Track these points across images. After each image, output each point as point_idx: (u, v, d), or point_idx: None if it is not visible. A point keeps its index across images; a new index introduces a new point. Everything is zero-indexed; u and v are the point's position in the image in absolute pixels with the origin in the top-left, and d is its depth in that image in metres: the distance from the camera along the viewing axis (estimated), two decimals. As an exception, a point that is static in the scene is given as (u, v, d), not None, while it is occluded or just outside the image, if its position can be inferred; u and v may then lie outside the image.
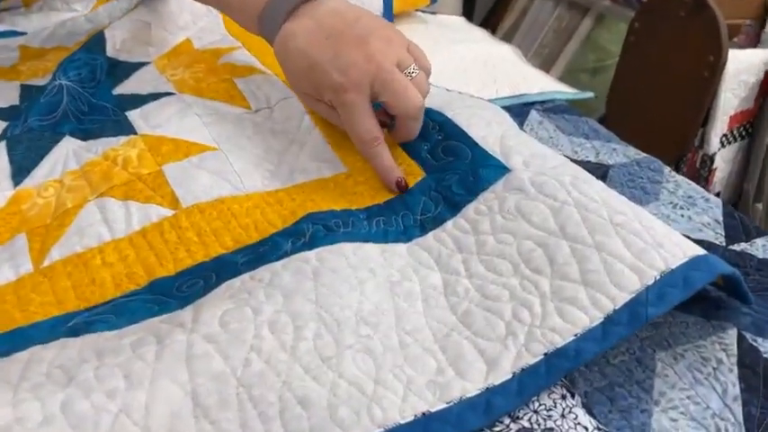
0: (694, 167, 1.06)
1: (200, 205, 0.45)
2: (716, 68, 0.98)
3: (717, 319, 0.39)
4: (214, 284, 0.39)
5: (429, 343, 0.36)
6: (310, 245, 0.40)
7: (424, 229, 0.43)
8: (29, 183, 0.49)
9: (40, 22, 0.70)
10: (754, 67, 1.02)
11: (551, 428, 0.33)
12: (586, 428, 0.33)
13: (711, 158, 1.04)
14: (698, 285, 0.35)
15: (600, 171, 0.58)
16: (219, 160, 0.49)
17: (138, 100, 0.56)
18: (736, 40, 1.11)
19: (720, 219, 0.50)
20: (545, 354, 0.34)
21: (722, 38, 0.97)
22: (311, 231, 0.42)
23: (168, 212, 0.45)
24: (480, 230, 0.41)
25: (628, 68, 1.12)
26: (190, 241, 0.43)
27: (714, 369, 0.36)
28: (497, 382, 0.34)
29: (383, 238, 0.42)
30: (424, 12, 0.97)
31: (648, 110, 1.09)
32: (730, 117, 1.03)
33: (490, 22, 1.57)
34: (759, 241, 0.48)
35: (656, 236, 0.38)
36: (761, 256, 0.46)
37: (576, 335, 0.35)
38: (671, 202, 0.53)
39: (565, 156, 0.50)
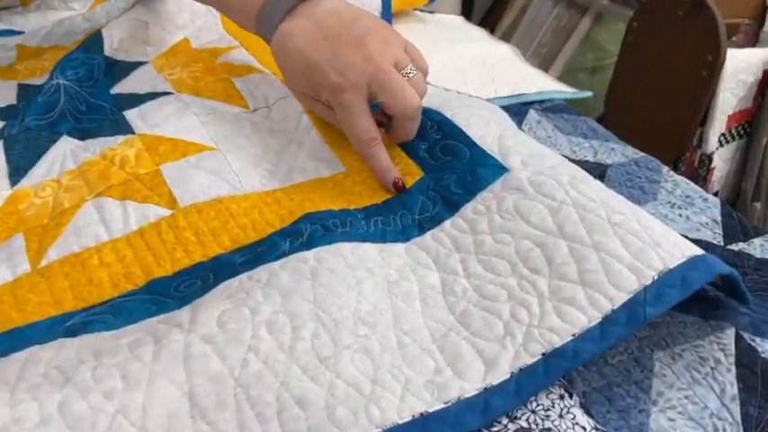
0: (693, 167, 1.06)
1: (198, 205, 0.45)
2: (714, 68, 0.98)
3: (715, 319, 0.39)
4: (212, 284, 0.39)
5: (427, 343, 0.36)
6: (308, 245, 0.40)
7: (422, 228, 0.43)
8: (26, 182, 0.48)
9: (38, 21, 0.70)
10: (752, 67, 1.02)
11: (549, 428, 0.33)
12: (584, 428, 0.33)
13: (710, 158, 1.04)
14: (696, 285, 0.35)
15: (598, 170, 0.58)
16: (217, 160, 0.49)
17: (136, 99, 0.56)
18: (734, 39, 1.11)
19: (718, 218, 0.50)
20: (543, 354, 0.34)
21: (721, 37, 0.97)
22: (309, 231, 0.42)
23: (166, 212, 0.45)
24: (478, 230, 0.41)
25: (626, 68, 1.12)
26: (187, 241, 0.43)
27: (712, 369, 0.36)
28: (495, 382, 0.34)
29: (381, 237, 0.42)
30: (422, 11, 0.97)
31: (647, 109, 1.09)
32: (729, 116, 1.03)
33: (489, 22, 1.57)
34: (757, 241, 0.48)
35: (655, 236, 0.38)
36: (759, 256, 0.46)
37: (574, 335, 0.35)
38: (669, 202, 0.53)
39: (563, 155, 0.50)
